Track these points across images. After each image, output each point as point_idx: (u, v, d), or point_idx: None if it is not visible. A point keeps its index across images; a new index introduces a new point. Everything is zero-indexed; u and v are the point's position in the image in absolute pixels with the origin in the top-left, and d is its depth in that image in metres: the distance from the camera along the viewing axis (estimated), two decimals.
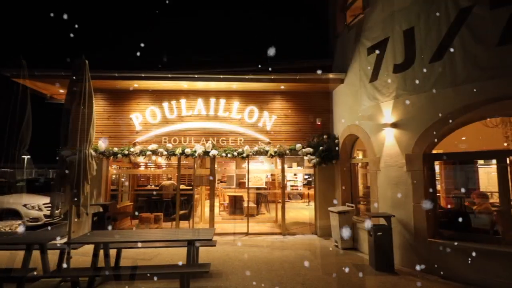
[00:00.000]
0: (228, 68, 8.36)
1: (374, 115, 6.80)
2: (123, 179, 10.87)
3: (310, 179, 17.53)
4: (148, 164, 13.50)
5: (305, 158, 8.91)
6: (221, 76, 8.22)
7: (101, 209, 7.87)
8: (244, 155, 8.58)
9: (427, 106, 5.71)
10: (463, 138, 6.51)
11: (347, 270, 5.74)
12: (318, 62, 9.12)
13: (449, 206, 7.14)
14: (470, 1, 5.19)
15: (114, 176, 10.34)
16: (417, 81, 5.87)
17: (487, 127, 6.91)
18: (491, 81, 4.93)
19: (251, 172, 9.61)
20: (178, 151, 8.45)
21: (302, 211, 13.52)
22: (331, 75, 8.26)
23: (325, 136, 8.65)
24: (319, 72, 8.22)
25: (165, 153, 8.47)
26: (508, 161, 5.26)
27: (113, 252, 5.64)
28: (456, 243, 5.22)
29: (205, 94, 8.98)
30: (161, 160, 12.60)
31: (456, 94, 5.31)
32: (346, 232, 7.13)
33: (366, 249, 6.50)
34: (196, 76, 8.16)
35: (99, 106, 8.76)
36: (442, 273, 5.30)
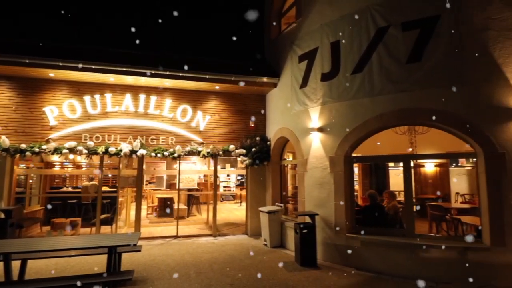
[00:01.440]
0: (161, 65, 7.96)
1: (303, 119, 7.19)
2: (32, 180, 9.56)
3: (243, 180, 17.78)
4: (65, 163, 12.11)
5: (238, 159, 9.00)
6: (152, 72, 7.79)
7: (2, 215, 6.77)
8: (176, 155, 8.28)
9: (349, 113, 6.25)
10: (378, 143, 7.29)
11: (274, 267, 5.94)
12: (253, 65, 9.30)
13: (364, 204, 7.91)
14: (386, 22, 5.85)
15: (21, 177, 9.03)
16: (341, 90, 6.39)
17: (397, 134, 7.87)
18: (400, 94, 5.62)
19: (182, 173, 9.32)
20: (101, 149, 7.75)
21: (234, 212, 13.61)
22: (265, 79, 8.49)
23: (257, 138, 8.84)
24: (254, 75, 8.41)
25: (85, 151, 7.68)
26: (412, 164, 6.05)
27: (17, 264, 4.90)
28: (368, 237, 5.80)
29: (134, 90, 8.42)
30: (81, 159, 11.44)
31: (373, 104, 5.92)
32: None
33: (293, 246, 6.81)
34: (124, 69, 7.58)
35: (3, 96, 7.55)
36: (358, 265, 5.84)
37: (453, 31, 5.24)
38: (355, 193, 7.42)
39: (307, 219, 6.48)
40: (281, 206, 8.01)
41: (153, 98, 8.49)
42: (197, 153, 8.50)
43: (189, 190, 12.29)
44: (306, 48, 7.26)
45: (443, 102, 5.28)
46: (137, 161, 8.35)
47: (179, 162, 8.65)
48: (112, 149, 7.80)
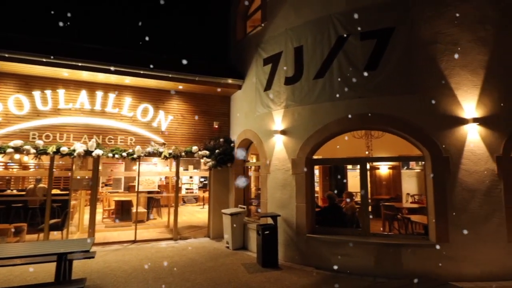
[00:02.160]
0: (121, 61, 7.61)
1: (267, 122, 7.27)
2: None
3: (206, 182, 17.54)
4: (9, 164, 11.09)
5: (202, 160, 8.86)
6: (112, 68, 7.42)
7: None
8: (135, 156, 7.95)
9: (311, 117, 6.44)
10: (338, 146, 7.59)
11: (236, 269, 5.92)
12: (218, 65, 9.24)
13: (324, 205, 8.18)
14: (346, 31, 6.12)
15: None
16: (303, 94, 6.56)
17: (355, 138, 8.25)
18: (358, 99, 5.90)
19: (142, 174, 8.97)
20: (52, 149, 7.20)
21: (196, 214, 13.37)
22: (230, 80, 8.46)
23: (221, 140, 8.77)
24: (218, 76, 8.36)
25: (33, 151, 7.08)
26: (368, 166, 6.38)
27: None
28: (327, 237, 6.00)
29: (90, 86, 7.95)
30: (28, 160, 10.56)
31: (333, 108, 6.16)
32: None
33: (255, 248, 6.84)
34: (79, 64, 7.14)
35: None
36: (317, 264, 6.01)
37: (405, 43, 5.62)
38: (316, 194, 7.65)
39: (269, 221, 6.55)
40: (244, 208, 8.02)
41: (112, 96, 8.09)
42: (158, 154, 8.23)
43: (149, 192, 11.83)
44: (270, 52, 7.37)
45: (396, 109, 5.64)
46: (92, 162, 7.89)
47: (139, 164, 8.32)
48: (64, 149, 7.28)
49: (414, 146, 5.88)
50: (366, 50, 5.89)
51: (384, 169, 11.46)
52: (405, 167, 11.07)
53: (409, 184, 10.70)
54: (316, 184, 8.31)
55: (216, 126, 9.10)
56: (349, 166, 11.27)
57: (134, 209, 10.34)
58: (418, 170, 10.52)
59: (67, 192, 8.25)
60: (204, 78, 8.25)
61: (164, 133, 8.57)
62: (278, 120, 6.97)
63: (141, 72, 7.66)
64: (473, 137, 5.34)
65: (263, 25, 7.77)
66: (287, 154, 6.70)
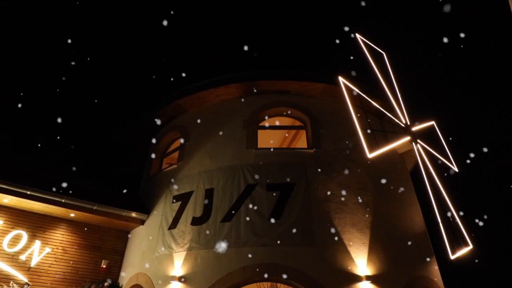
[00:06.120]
0: (4, 177, 6.60)
1: (166, 265, 6.46)
2: None
3: None
4: None
5: None
6: None
7: None
8: None
9: (214, 263, 5.97)
10: None
11: None
12: (124, 196, 8.63)
13: None
14: (255, 180, 6.63)
15: None
16: (209, 237, 6.27)
17: None
18: (262, 248, 5.84)
19: None
20: None
21: None
22: (133, 214, 7.79)
23: (106, 284, 7.23)
24: (121, 207, 7.67)
25: None
26: None
27: None
28: None
29: None
30: None
31: (237, 255, 5.90)
32: None
33: None
34: None
35: None
36: None
37: (304, 198, 6.24)
38: None
39: None
40: None
41: None
42: None
43: None
44: (182, 190, 7.33)
45: (298, 261, 5.68)
46: None
47: None
48: None
49: None
50: (271, 200, 6.31)
51: None
52: None
53: None
54: None
55: (104, 266, 7.65)
56: None
57: None
58: None
59: None
60: (104, 208, 7.44)
61: (34, 270, 6.80)
62: (178, 264, 6.27)
63: (28, 192, 6.64)
64: None
65: (178, 164, 7.99)
66: None
